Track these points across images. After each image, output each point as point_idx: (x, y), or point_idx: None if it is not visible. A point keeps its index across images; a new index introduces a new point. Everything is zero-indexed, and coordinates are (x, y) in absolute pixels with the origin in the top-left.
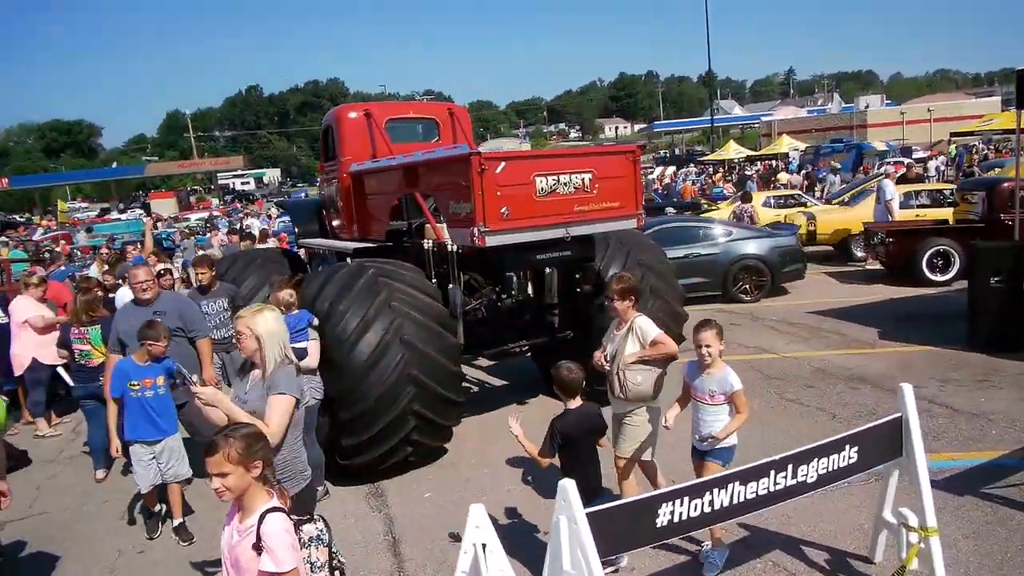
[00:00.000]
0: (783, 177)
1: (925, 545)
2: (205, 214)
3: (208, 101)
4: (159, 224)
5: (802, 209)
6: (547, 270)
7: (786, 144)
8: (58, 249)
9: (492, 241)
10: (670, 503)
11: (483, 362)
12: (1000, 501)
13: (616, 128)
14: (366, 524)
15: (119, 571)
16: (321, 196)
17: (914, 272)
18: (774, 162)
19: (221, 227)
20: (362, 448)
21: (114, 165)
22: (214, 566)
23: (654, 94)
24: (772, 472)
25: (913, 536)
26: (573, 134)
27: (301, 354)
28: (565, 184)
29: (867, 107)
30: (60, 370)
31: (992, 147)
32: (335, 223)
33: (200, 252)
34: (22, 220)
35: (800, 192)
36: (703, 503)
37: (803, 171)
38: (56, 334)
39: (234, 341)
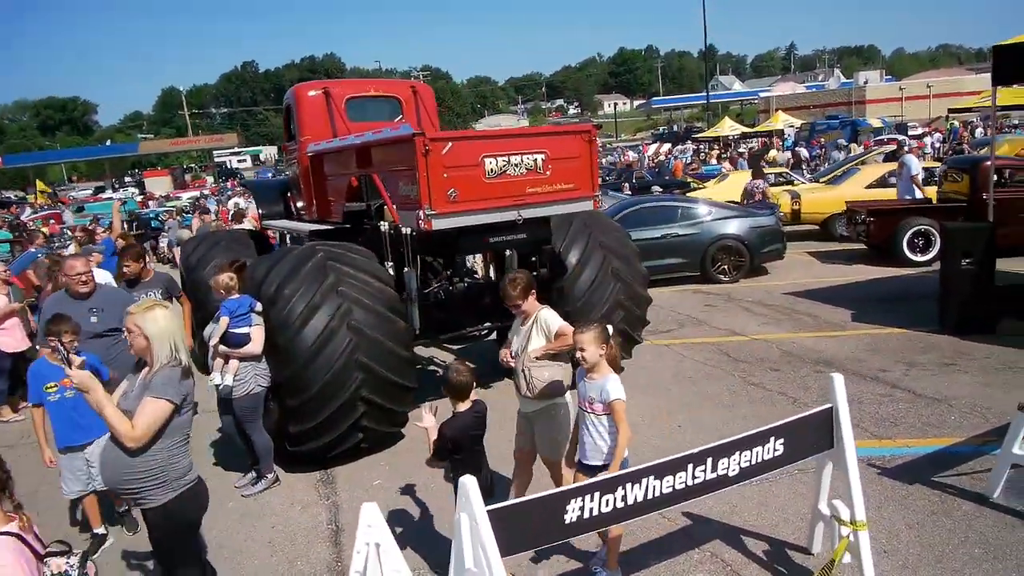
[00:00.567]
0: (772, 155)
1: (854, 539)
2: (197, 193)
3: (204, 78)
4: (150, 203)
5: (787, 187)
6: (507, 252)
7: (781, 120)
8: (44, 229)
9: (439, 224)
10: (579, 498)
11: (455, 345)
12: (950, 490)
13: (615, 104)
14: (312, 512)
15: None
16: (287, 177)
17: (895, 252)
18: (769, 139)
19: (211, 207)
20: (311, 435)
21: (108, 143)
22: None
23: (654, 70)
24: (690, 466)
25: (844, 529)
26: (572, 110)
27: (243, 339)
28: (516, 165)
29: (866, 83)
30: None
31: (990, 124)
32: (299, 204)
33: (179, 231)
34: (15, 199)
35: (788, 170)
36: (615, 498)
37: (789, 149)
38: (16, 320)
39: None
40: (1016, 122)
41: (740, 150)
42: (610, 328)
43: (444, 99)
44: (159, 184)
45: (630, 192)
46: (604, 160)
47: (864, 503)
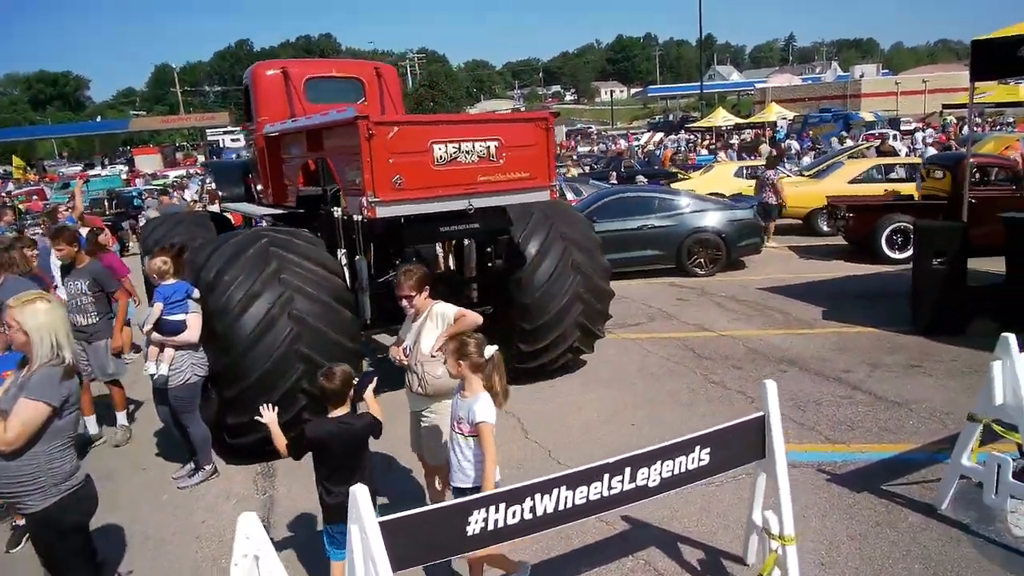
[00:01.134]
0: (762, 148)
1: (783, 553)
2: (184, 171)
3: (199, 55)
4: (137, 180)
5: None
6: (465, 242)
7: (775, 112)
8: (21, 206)
9: (383, 212)
10: (483, 509)
11: None
12: (898, 500)
13: (611, 92)
14: (246, 506)
15: None
16: (248, 158)
17: (874, 249)
18: (761, 130)
19: (194, 185)
20: (249, 427)
21: (99, 119)
22: None
23: (652, 58)
24: (606, 476)
25: (774, 543)
26: (568, 97)
27: (178, 327)
28: (467, 152)
29: (862, 76)
30: None
31: (986, 120)
32: (258, 187)
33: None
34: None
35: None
36: (523, 509)
37: (781, 141)
38: None
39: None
40: (1011, 119)
41: (732, 141)
42: (492, 349)
43: (438, 83)
44: (149, 162)
45: (616, 181)
46: (595, 148)
47: (793, 515)
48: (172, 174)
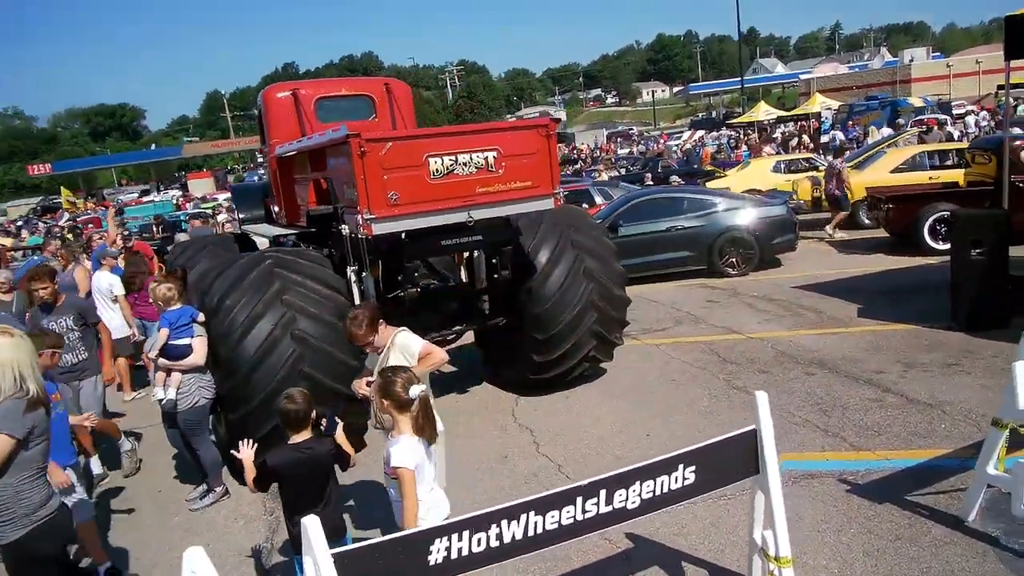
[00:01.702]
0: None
1: (778, 575)
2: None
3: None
4: (187, 204)
5: (811, 173)
6: (475, 254)
7: (819, 103)
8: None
9: (379, 229)
10: (445, 538)
11: (447, 348)
12: (922, 512)
13: (653, 92)
14: (253, 528)
15: None
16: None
17: (916, 240)
18: (806, 122)
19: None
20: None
21: (153, 147)
22: None
23: (693, 55)
24: (579, 499)
25: (771, 564)
26: (610, 99)
27: (184, 351)
28: (465, 164)
29: (911, 61)
30: None
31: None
32: (274, 209)
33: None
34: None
35: (814, 155)
36: (488, 537)
37: (826, 132)
38: None
39: None
40: None
41: (774, 135)
42: (419, 388)
43: (476, 93)
44: (202, 186)
45: (652, 182)
46: (635, 149)
47: (806, 531)
48: (221, 197)
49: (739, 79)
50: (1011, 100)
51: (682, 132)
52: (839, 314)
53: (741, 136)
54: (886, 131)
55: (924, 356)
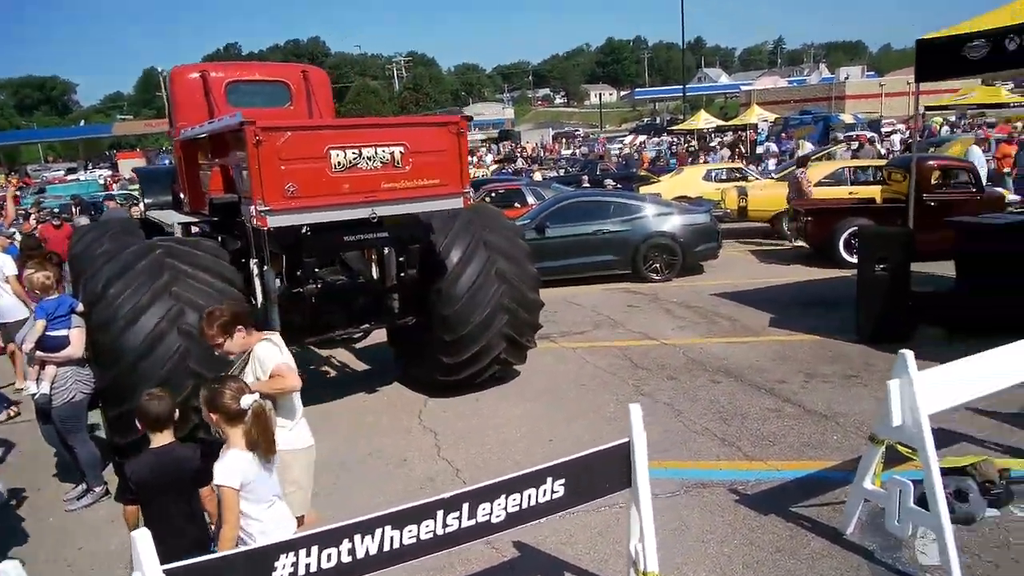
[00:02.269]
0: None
1: None
2: None
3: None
4: (114, 185)
5: (736, 184)
6: (386, 251)
7: (756, 115)
8: None
9: (275, 221)
10: (291, 553)
11: (363, 345)
12: (804, 524)
13: (600, 95)
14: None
15: None
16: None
17: (832, 253)
18: (744, 132)
19: None
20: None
21: (83, 123)
22: None
23: (641, 61)
24: (440, 513)
25: None
26: (558, 100)
27: (61, 343)
28: (369, 158)
29: (847, 78)
30: None
31: (967, 122)
32: (181, 194)
33: None
34: None
35: (743, 166)
36: (340, 552)
37: (762, 144)
38: None
39: None
40: (992, 120)
41: (712, 144)
42: (250, 398)
43: (423, 86)
44: (132, 166)
45: (588, 185)
46: (578, 151)
47: (688, 543)
48: None
49: (681, 87)
50: (920, 122)
51: (624, 136)
52: (752, 323)
53: (682, 143)
54: (808, 147)
55: (826, 367)
